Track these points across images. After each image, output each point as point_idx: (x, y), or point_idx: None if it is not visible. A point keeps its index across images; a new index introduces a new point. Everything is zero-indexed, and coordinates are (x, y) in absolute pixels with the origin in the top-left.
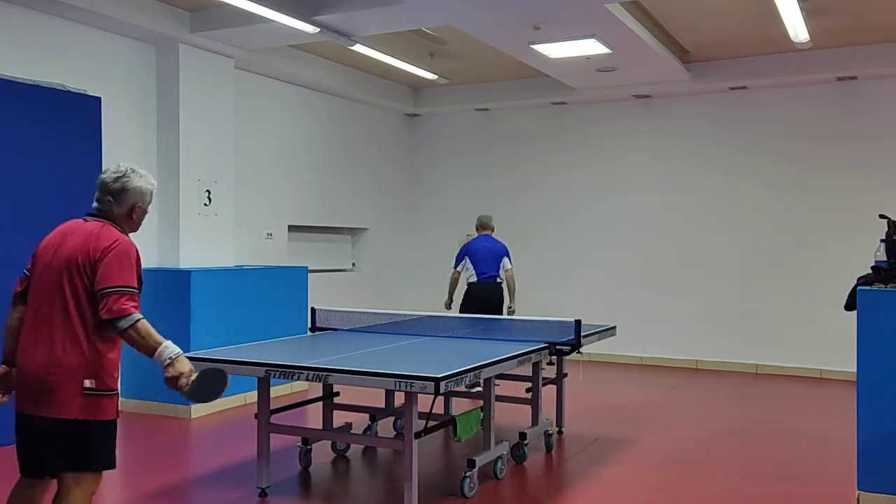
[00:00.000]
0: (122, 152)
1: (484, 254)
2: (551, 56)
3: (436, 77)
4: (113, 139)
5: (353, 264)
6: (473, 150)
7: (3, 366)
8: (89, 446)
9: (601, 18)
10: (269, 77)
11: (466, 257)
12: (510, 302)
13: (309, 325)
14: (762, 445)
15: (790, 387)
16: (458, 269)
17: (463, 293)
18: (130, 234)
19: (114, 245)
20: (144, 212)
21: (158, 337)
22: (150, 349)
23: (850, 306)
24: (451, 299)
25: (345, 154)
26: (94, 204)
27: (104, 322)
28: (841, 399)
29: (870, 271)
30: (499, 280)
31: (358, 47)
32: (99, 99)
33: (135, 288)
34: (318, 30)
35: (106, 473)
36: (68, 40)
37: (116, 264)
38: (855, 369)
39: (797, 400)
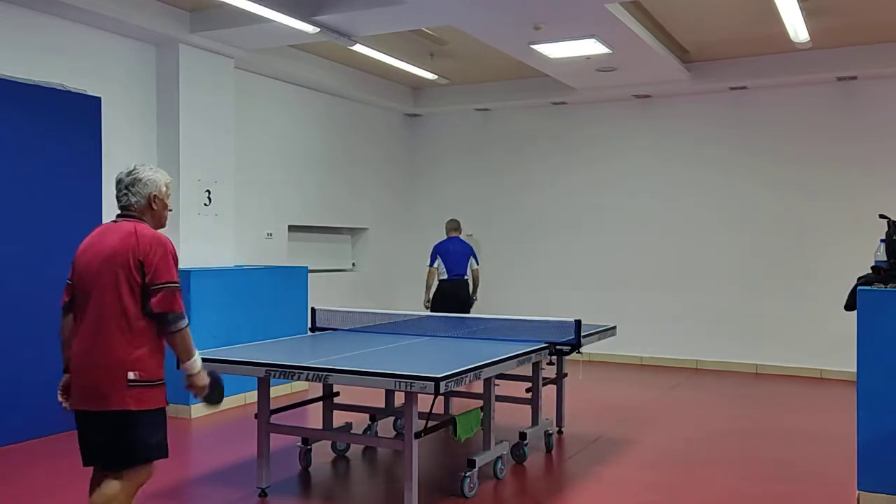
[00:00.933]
0: (122, 152)
1: (455, 255)
2: (551, 56)
3: (436, 77)
4: (113, 139)
5: (353, 264)
6: (473, 150)
7: (66, 374)
8: (136, 436)
9: (601, 18)
10: (269, 77)
11: (439, 257)
12: (474, 295)
13: (309, 325)
14: (762, 445)
15: (790, 387)
16: (435, 266)
17: (434, 289)
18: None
19: (157, 243)
20: (165, 204)
21: (193, 346)
22: (187, 354)
23: (850, 306)
24: (428, 298)
25: (345, 154)
26: (118, 204)
27: (156, 315)
28: (841, 399)
29: (870, 271)
30: (465, 277)
31: (358, 47)
32: (99, 99)
33: (178, 283)
34: (318, 30)
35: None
36: (68, 40)
37: (164, 262)
38: (855, 369)
39: (797, 400)
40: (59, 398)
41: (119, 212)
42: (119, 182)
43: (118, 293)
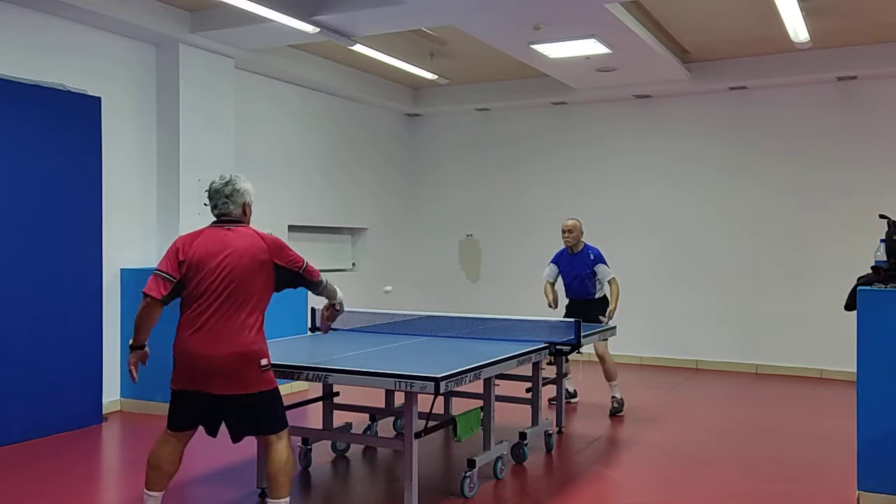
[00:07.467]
0: (122, 152)
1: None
2: (551, 56)
3: (436, 77)
4: (113, 139)
5: (353, 264)
6: (473, 150)
7: (145, 349)
8: (273, 410)
9: (601, 18)
10: (269, 77)
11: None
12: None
13: (309, 325)
14: (762, 445)
15: (790, 387)
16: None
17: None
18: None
19: (278, 241)
20: (251, 210)
21: (336, 288)
22: (339, 297)
23: (850, 306)
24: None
25: (345, 154)
26: (216, 211)
27: (313, 284)
28: (841, 399)
29: (870, 271)
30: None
31: (358, 47)
32: (99, 99)
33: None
34: (318, 30)
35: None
36: (68, 40)
37: (293, 250)
38: (855, 369)
39: (797, 400)
40: (132, 368)
41: (216, 219)
42: (217, 192)
43: (257, 295)
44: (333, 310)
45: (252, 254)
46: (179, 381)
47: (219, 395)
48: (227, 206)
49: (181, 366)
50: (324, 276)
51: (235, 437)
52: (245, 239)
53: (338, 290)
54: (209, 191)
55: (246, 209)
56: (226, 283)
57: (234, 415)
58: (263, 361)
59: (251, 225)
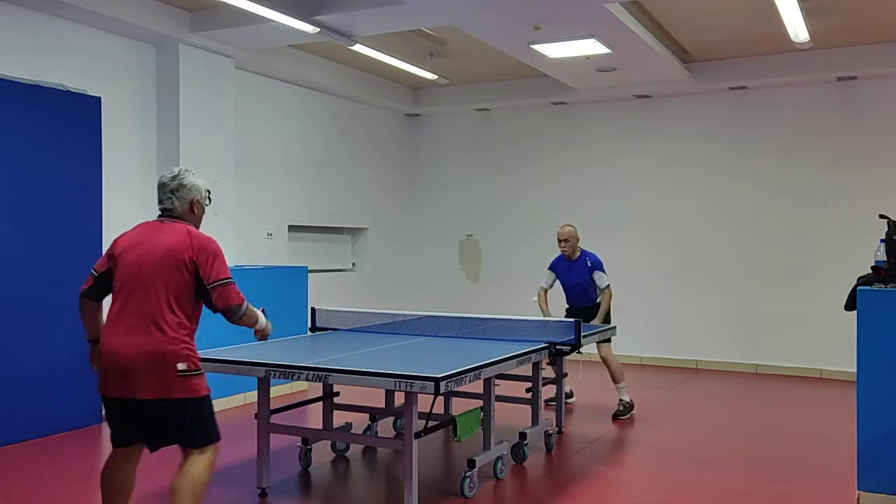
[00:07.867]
0: (122, 152)
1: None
2: (551, 56)
3: (436, 77)
4: (113, 139)
5: (353, 264)
6: (473, 150)
7: (94, 345)
8: (192, 423)
9: (601, 18)
10: (269, 77)
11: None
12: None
13: (309, 325)
14: (762, 445)
15: (790, 387)
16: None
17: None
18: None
19: (209, 244)
20: (202, 207)
21: (256, 311)
22: (259, 325)
23: (850, 306)
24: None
25: (345, 154)
26: (160, 206)
27: (222, 311)
28: (841, 399)
29: (870, 271)
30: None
31: (358, 47)
32: (99, 99)
33: (231, 278)
34: (318, 30)
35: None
36: (68, 40)
37: (219, 261)
38: (855, 369)
39: (797, 400)
40: (92, 362)
41: (161, 213)
42: (163, 186)
43: (176, 293)
44: (258, 335)
45: (174, 249)
46: (100, 383)
47: (140, 399)
48: (170, 201)
49: (100, 363)
50: (245, 306)
51: (152, 447)
52: (172, 234)
53: (260, 316)
54: (158, 185)
55: (194, 206)
56: (137, 276)
57: (151, 421)
58: (181, 366)
59: (202, 223)
